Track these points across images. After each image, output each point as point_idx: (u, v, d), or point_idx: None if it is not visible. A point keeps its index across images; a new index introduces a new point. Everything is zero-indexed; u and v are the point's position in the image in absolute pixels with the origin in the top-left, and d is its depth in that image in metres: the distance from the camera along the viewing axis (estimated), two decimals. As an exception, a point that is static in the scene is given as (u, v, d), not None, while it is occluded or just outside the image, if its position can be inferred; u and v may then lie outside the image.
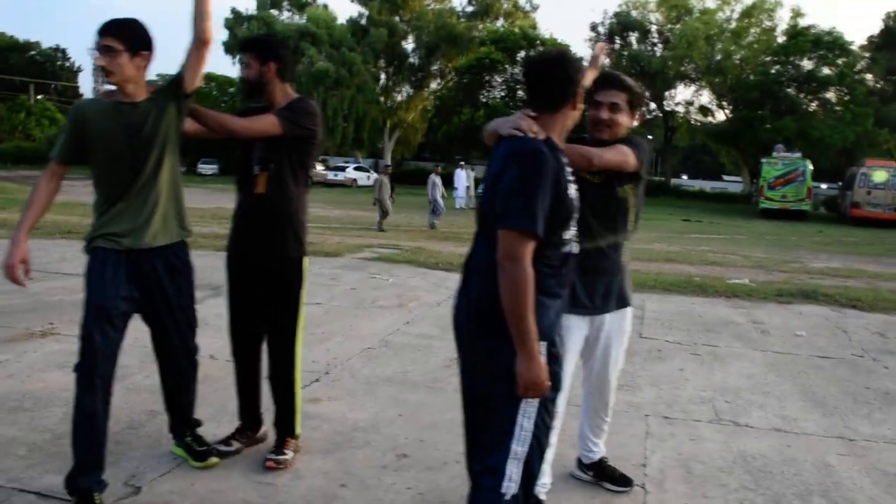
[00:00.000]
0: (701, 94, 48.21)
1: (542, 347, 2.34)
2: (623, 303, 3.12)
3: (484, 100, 49.13)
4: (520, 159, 2.34)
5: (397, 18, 53.71)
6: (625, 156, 2.89)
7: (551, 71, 2.43)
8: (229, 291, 3.75)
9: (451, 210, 25.17)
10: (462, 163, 29.70)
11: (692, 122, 49.72)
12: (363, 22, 53.56)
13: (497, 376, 2.38)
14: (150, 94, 3.25)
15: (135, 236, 3.22)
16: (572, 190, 2.43)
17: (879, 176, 29.53)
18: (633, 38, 48.42)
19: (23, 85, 60.53)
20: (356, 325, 6.54)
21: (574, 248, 2.53)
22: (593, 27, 49.73)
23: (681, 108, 49.32)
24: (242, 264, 3.66)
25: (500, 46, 48.00)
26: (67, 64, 72.33)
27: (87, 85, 76.74)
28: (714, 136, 48.33)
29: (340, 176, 43.80)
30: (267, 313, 3.67)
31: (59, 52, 72.88)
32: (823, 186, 46.13)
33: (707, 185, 57.39)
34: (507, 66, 49.06)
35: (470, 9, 55.29)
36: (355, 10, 56.60)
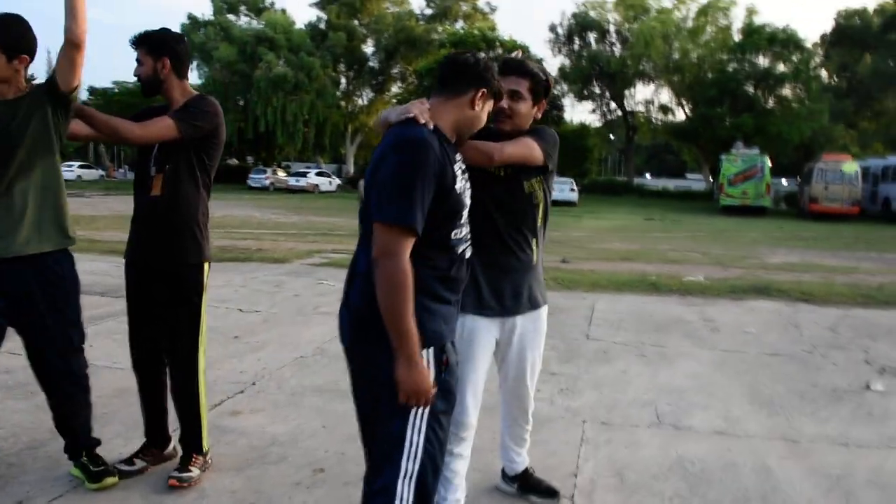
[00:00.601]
0: (660, 93, 48.98)
1: (427, 354, 2.18)
2: (535, 304, 2.90)
3: (446, 102, 48.83)
4: (399, 148, 2.15)
5: (356, 22, 53.44)
6: (529, 149, 2.69)
7: (457, 59, 2.31)
8: (127, 298, 3.51)
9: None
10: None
11: (653, 120, 50.05)
12: (322, 26, 53.21)
13: (379, 386, 2.19)
14: (25, 93, 3.03)
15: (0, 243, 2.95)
16: (460, 184, 2.25)
17: (843, 168, 29.85)
18: (591, 38, 48.69)
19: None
20: (293, 333, 6.28)
21: (467, 250, 2.36)
22: (552, 28, 49.89)
23: (641, 107, 49.77)
24: (140, 270, 3.44)
25: (459, 48, 47.80)
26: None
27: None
28: (675, 134, 48.74)
29: (302, 181, 43.28)
30: (166, 322, 3.42)
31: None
32: (784, 182, 46.76)
33: (671, 184, 57.85)
34: (468, 68, 48.88)
35: (429, 11, 55.19)
36: (314, 14, 56.24)
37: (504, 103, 2.67)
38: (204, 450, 3.50)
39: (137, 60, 3.32)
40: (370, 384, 2.25)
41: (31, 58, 3.07)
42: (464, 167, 2.38)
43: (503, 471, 3.29)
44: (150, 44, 3.29)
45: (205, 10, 53.46)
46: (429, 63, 47.76)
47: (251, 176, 44.54)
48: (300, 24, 53.14)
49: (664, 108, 48.91)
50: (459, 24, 55.27)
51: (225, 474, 3.51)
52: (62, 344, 3.20)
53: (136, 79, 3.35)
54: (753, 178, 32.12)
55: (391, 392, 2.14)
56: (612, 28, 47.87)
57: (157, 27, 3.38)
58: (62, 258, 3.18)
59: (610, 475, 3.53)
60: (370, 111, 54.69)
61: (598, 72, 47.10)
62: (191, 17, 51.58)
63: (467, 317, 2.80)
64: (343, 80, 54.92)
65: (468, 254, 2.39)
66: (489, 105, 2.36)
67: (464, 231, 2.32)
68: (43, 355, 3.21)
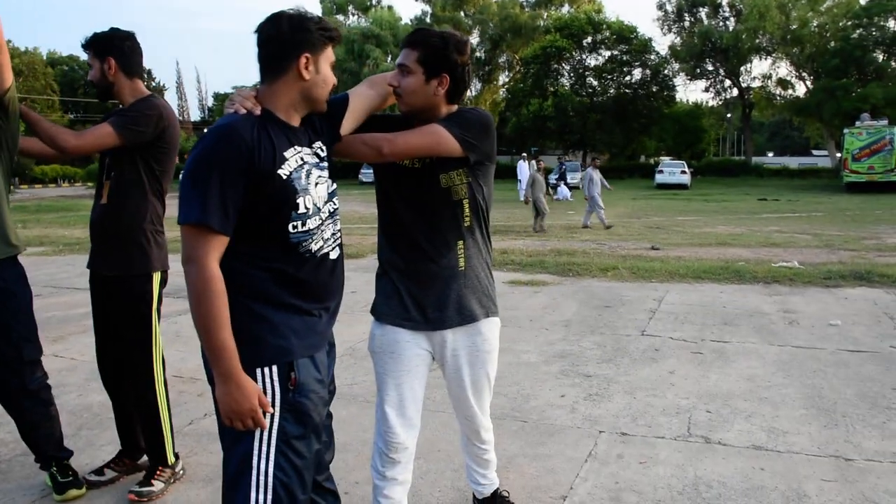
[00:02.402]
0: (778, 67, 45.97)
1: (268, 372, 1.91)
2: (469, 317, 2.44)
3: (552, 89, 48.01)
4: (201, 140, 1.89)
5: (461, 13, 53.34)
6: (434, 137, 2.25)
7: (263, 29, 1.96)
8: (92, 309, 3.38)
9: (514, 202, 24.66)
10: (524, 154, 29.09)
11: (771, 96, 47.16)
12: (427, 20, 53.39)
13: (215, 405, 1.92)
14: None
15: None
16: (291, 170, 1.93)
17: None
18: (702, 13, 46.45)
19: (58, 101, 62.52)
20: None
21: (325, 247, 2.04)
22: (660, 5, 47.97)
23: (758, 83, 47.00)
24: (93, 279, 3.32)
25: (565, 33, 46.93)
26: (154, 83, 74.65)
27: (171, 102, 79.58)
28: (796, 110, 45.78)
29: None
30: (118, 330, 3.25)
31: (144, 73, 75.38)
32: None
33: (794, 162, 54.57)
34: (573, 52, 47.90)
35: (533, -2, 54.37)
36: (419, 8, 56.53)
37: (392, 79, 2.29)
38: (169, 462, 3.33)
39: (88, 64, 3.20)
40: (214, 401, 1.96)
41: None
42: (319, 151, 2.06)
43: (473, 495, 2.89)
44: (94, 46, 3.14)
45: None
46: (534, 50, 47.09)
47: (362, 171, 45.14)
48: (406, 19, 53.58)
49: (783, 83, 46.10)
50: (565, 9, 54.18)
51: (193, 486, 3.34)
52: (11, 358, 3.07)
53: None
54: (881, 152, 29.68)
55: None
56: (724, 1, 45.47)
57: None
58: (6, 270, 3.04)
59: (605, 499, 3.06)
60: (478, 101, 54.50)
61: (710, 48, 44.85)
62: (301, 20, 52.94)
63: (388, 327, 2.44)
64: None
65: (332, 252, 2.08)
66: (326, 58, 2.00)
67: (310, 224, 2.00)
68: (12, 368, 3.09)
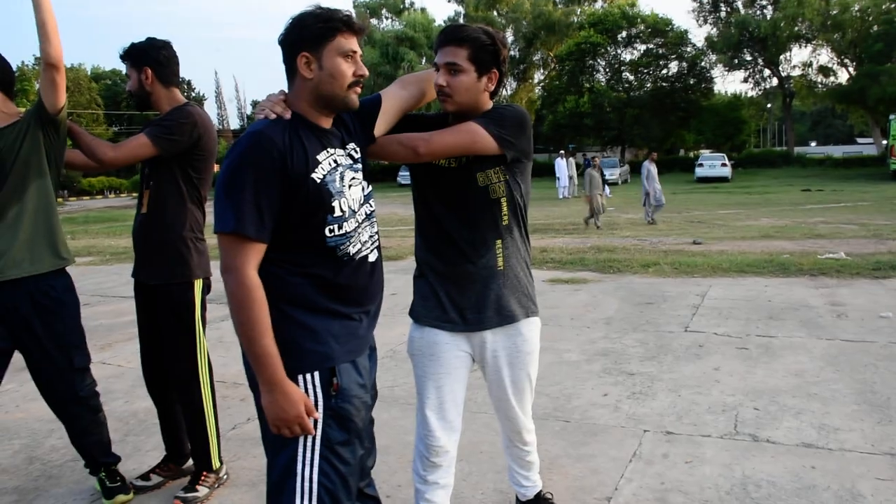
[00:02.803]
0: (819, 54, 45.01)
1: (311, 378, 1.90)
2: (509, 317, 2.41)
3: (588, 85, 47.69)
4: (233, 148, 1.88)
5: (494, 13, 53.22)
6: (471, 135, 2.22)
7: (286, 27, 1.95)
8: (137, 317, 3.44)
9: (553, 200, 24.53)
10: (562, 151, 28.91)
11: (812, 84, 46.16)
12: (461, 20, 53.36)
13: (259, 412, 1.94)
14: (16, 119, 3.01)
15: None
16: (325, 173, 1.92)
17: None
18: (739, 2, 45.69)
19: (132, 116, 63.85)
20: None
21: (364, 250, 2.02)
22: (696, -4, 47.18)
23: (798, 71, 46.06)
24: (137, 288, 3.38)
25: (599, 28, 46.64)
26: (193, 94, 75.93)
27: (211, 112, 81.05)
28: (838, 97, 44.71)
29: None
30: (162, 338, 3.31)
31: (184, 84, 76.60)
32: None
33: (838, 151, 53.37)
34: (608, 47, 47.52)
35: (566, -6, 54.02)
36: (452, 9, 56.52)
37: (440, 79, 2.25)
38: (214, 467, 3.37)
39: (126, 75, 3.26)
40: (257, 410, 1.97)
41: (11, 86, 3.09)
42: (353, 153, 2.05)
43: (516, 497, 2.86)
44: (131, 57, 3.18)
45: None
46: (569, 47, 46.83)
47: (400, 173, 45.29)
48: (439, 20, 53.63)
49: (824, 70, 45.06)
50: (599, 4, 53.75)
51: (238, 490, 3.37)
52: (63, 366, 3.14)
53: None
54: (929, 138, 28.89)
55: (265, 421, 1.90)
56: (761, -11, 44.70)
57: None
58: (56, 280, 3.11)
59: (650, 500, 3.01)
60: (514, 100, 54.31)
61: (747, 38, 44.07)
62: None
63: (426, 329, 2.42)
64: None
65: (370, 255, 2.06)
66: (333, 50, 1.93)
67: (347, 227, 1.98)
68: (45, 378, 3.17)
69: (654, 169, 16.59)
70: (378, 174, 46.37)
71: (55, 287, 3.09)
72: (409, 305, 2.52)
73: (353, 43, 1.95)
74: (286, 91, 2.02)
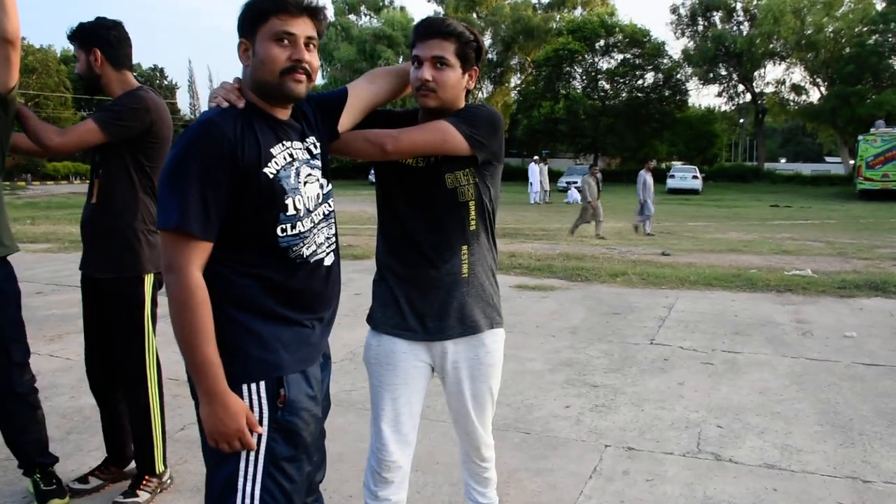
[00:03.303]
0: (792, 72, 45.71)
1: (255, 388, 1.76)
2: (472, 328, 2.28)
3: (564, 91, 47.86)
4: (179, 138, 1.74)
5: (474, 15, 53.24)
6: (442, 134, 2.10)
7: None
8: (83, 311, 3.26)
9: (524, 205, 24.52)
10: (535, 157, 28.98)
11: (785, 102, 46.81)
12: (440, 20, 53.28)
13: (199, 422, 1.79)
14: None
15: None
16: (279, 167, 1.78)
17: None
18: (716, 17, 46.21)
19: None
20: (334, 336, 5.91)
21: (319, 252, 1.89)
22: (674, 9, 47.92)
23: (771, 88, 46.77)
24: (84, 281, 3.19)
25: (577, 36, 46.85)
26: (166, 82, 74.92)
27: (183, 101, 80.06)
28: (809, 116, 45.59)
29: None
30: (109, 333, 3.14)
31: (157, 72, 75.62)
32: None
33: (807, 168, 54.18)
34: (585, 55, 47.75)
35: (546, 0, 54.15)
36: (431, 9, 56.34)
37: (425, 73, 2.11)
38: (158, 471, 3.21)
39: (74, 57, 3.06)
40: (198, 419, 1.82)
41: None
42: (311, 147, 1.92)
43: (470, 512, 2.74)
44: (80, 37, 3.00)
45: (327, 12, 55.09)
46: (547, 53, 46.99)
47: (372, 171, 44.97)
48: (418, 19, 53.47)
49: (797, 88, 45.86)
50: (578, 11, 54.02)
51: (181, 496, 3.23)
52: (17, 358, 2.97)
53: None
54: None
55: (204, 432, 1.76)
56: (738, 6, 45.24)
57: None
58: (9, 267, 2.93)
59: (609, 519, 2.92)
60: (490, 103, 54.09)
61: (723, 53, 44.65)
62: (312, 19, 52.99)
63: (384, 337, 2.30)
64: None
65: (326, 259, 1.93)
66: (264, 34, 1.77)
67: (301, 227, 1.84)
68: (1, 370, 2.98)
69: (650, 178, 16.42)
70: (350, 171, 46.12)
71: (7, 274, 2.92)
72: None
73: (291, 25, 1.76)
74: (240, 79, 1.88)
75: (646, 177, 16.46)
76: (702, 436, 3.78)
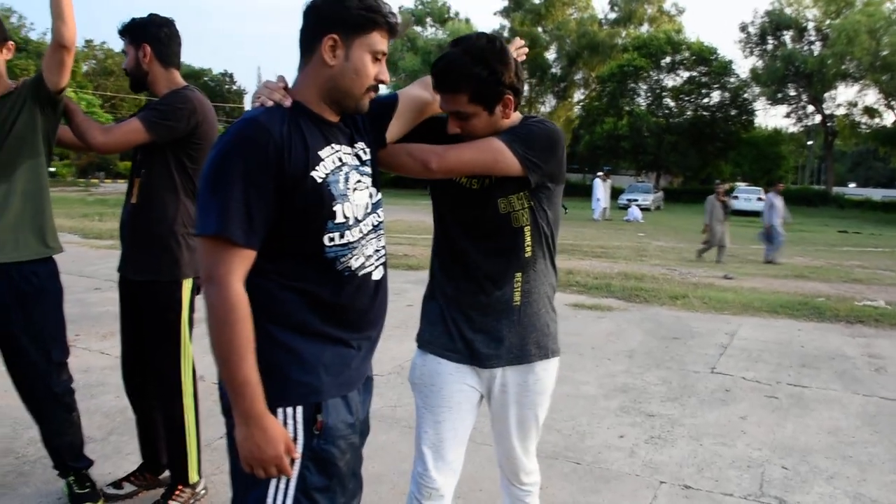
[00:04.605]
0: (866, 94, 44.09)
1: (292, 413, 1.63)
2: (524, 357, 2.13)
3: (627, 108, 47.25)
4: (220, 139, 1.60)
5: (539, 29, 53.05)
6: (493, 154, 1.94)
7: (306, 7, 1.68)
8: (120, 314, 3.22)
9: (584, 221, 24.24)
10: (600, 173, 28.60)
11: (856, 124, 45.30)
12: (505, 34, 53.29)
13: (231, 447, 1.66)
14: (11, 90, 2.78)
15: None
16: (327, 172, 1.64)
17: None
18: (787, 36, 45.03)
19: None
20: (381, 348, 5.81)
21: (368, 265, 1.75)
22: (743, 27, 46.73)
23: (842, 110, 45.23)
24: (122, 283, 3.14)
25: (643, 52, 46.22)
26: (234, 87, 76.65)
27: (250, 105, 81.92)
28: (882, 140, 43.88)
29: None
30: (146, 338, 3.07)
31: (227, 77, 77.46)
32: None
33: (878, 194, 52.34)
34: (650, 72, 47.08)
35: (612, 16, 53.78)
36: (497, 22, 56.38)
37: (451, 127, 1.97)
38: (191, 481, 3.12)
39: (123, 52, 3.00)
40: (228, 437, 1.70)
41: (9, 46, 2.86)
42: (360, 153, 1.78)
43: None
44: (132, 32, 2.94)
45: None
46: (611, 68, 46.52)
47: (432, 181, 45.06)
48: (482, 31, 53.57)
49: (870, 111, 44.19)
50: (644, 28, 53.40)
51: (214, 508, 3.11)
52: (38, 359, 2.92)
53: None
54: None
55: (237, 456, 1.62)
56: (810, 25, 44.03)
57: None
58: (40, 268, 2.90)
59: (664, 566, 2.71)
60: (553, 118, 54.00)
61: (793, 73, 43.39)
62: (380, 33, 53.45)
63: (429, 357, 2.15)
64: (526, 88, 54.64)
65: (374, 273, 1.78)
66: (365, 44, 1.67)
67: (350, 237, 1.70)
68: (19, 369, 2.96)
69: (779, 202, 15.00)
70: (409, 179, 46.13)
71: (38, 274, 2.89)
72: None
73: (385, 44, 1.70)
74: (285, 78, 1.76)
75: (773, 200, 14.96)
76: (765, 477, 3.52)
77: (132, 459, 3.49)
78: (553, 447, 3.79)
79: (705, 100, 47.93)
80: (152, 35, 2.92)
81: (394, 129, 1.94)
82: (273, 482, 1.63)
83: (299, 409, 1.64)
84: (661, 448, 3.87)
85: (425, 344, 2.19)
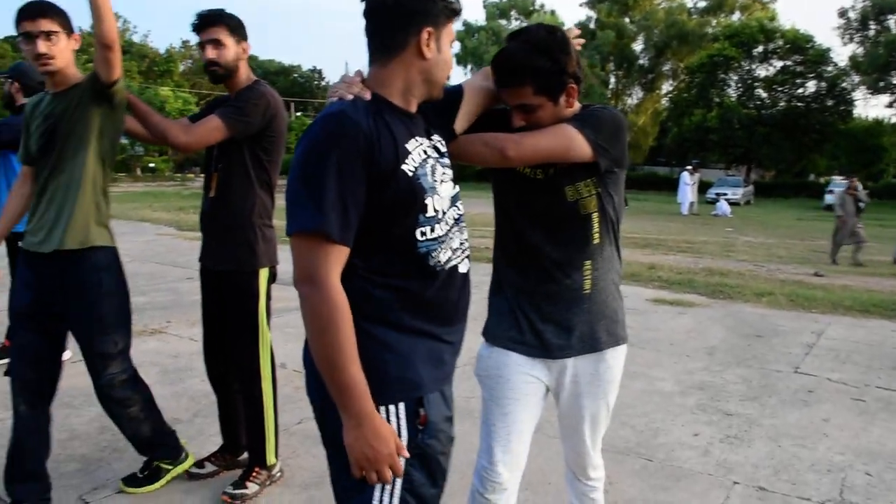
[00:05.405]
0: (979, 82, 41.39)
1: (395, 410, 1.63)
2: (595, 345, 2.13)
3: (717, 99, 45.85)
4: (307, 133, 1.58)
5: (626, 19, 52.08)
6: (567, 140, 1.93)
7: (383, 3, 1.65)
8: (202, 303, 3.38)
9: (671, 215, 23.72)
10: (688, 167, 27.88)
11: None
12: (591, 25, 52.50)
13: (332, 448, 1.68)
14: (73, 84, 2.87)
15: (33, 236, 2.87)
16: (416, 165, 1.63)
17: None
18: (891, 21, 42.75)
19: (285, 104, 66.16)
20: (457, 339, 5.89)
21: (454, 259, 1.73)
22: (842, 13, 44.57)
23: (952, 100, 42.69)
24: (203, 274, 3.29)
25: (734, 41, 44.66)
26: (323, 83, 78.20)
27: (328, 101, 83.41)
28: None
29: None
30: (225, 324, 3.22)
31: (316, 73, 79.11)
32: None
33: None
34: (742, 62, 45.53)
35: (702, 4, 52.29)
36: (583, 13, 55.69)
37: (517, 121, 1.98)
38: (269, 463, 3.26)
39: (214, 42, 2.97)
40: (325, 444, 1.72)
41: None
42: (439, 145, 1.77)
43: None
44: (231, 24, 3.00)
45: (478, 17, 55.98)
46: (701, 59, 45.24)
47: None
48: (569, 24, 52.93)
49: (983, 101, 41.63)
50: (736, 16, 51.68)
51: (289, 491, 3.27)
52: (99, 349, 2.95)
53: (206, 64, 3.03)
54: None
55: (342, 458, 1.61)
56: (917, 8, 41.68)
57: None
58: (100, 258, 2.92)
59: (732, 567, 2.67)
60: (639, 110, 53.03)
61: (896, 60, 41.25)
62: (465, 24, 53.16)
63: (496, 349, 2.18)
64: (612, 79, 53.76)
65: (461, 265, 1.76)
66: (448, 35, 1.69)
67: (439, 231, 1.68)
68: (84, 356, 3.00)
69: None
70: (480, 172, 46.19)
71: (95, 264, 2.90)
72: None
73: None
74: (363, 72, 1.75)
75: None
76: (846, 483, 3.41)
77: (214, 441, 3.65)
78: (625, 443, 3.76)
79: (800, 90, 45.97)
80: (246, 33, 3.04)
81: (459, 122, 1.94)
82: (378, 485, 1.62)
83: (401, 405, 1.63)
84: (737, 448, 3.78)
85: (493, 337, 2.22)
